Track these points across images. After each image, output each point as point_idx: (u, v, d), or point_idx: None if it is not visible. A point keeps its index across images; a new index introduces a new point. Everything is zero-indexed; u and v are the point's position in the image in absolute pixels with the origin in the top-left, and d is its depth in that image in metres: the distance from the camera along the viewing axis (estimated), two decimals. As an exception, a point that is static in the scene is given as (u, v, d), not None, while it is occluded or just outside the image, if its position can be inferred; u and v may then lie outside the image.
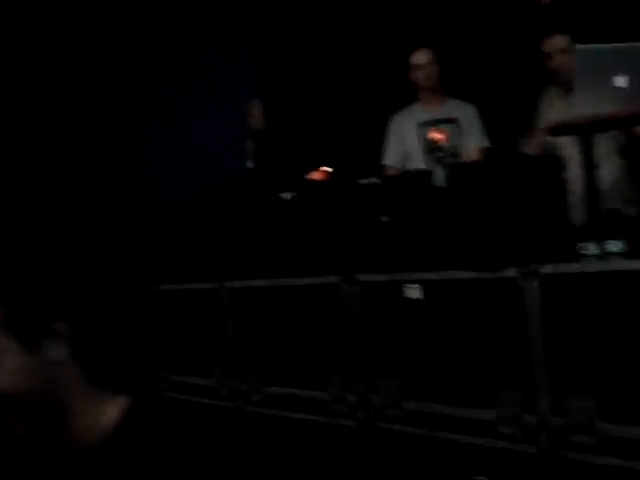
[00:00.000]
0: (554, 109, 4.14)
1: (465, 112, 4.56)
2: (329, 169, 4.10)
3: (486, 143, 4.57)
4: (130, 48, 7.59)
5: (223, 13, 6.99)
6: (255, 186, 4.92)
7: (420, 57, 4.67)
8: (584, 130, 3.05)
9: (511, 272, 3.10)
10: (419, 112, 4.69)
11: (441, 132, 4.25)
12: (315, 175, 4.11)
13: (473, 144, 4.49)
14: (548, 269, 3.00)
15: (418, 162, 4.46)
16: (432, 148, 4.37)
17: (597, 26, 4.34)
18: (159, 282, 5.03)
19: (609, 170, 3.91)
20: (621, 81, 2.92)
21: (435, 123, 4.53)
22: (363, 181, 3.72)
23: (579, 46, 2.97)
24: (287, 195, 4.04)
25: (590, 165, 3.05)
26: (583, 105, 2.97)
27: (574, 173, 3.63)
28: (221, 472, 1.28)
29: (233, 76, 7.03)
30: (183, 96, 7.48)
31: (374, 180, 3.69)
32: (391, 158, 4.77)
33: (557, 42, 4.12)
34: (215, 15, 7.04)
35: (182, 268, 4.91)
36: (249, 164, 5.57)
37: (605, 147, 3.82)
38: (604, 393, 2.86)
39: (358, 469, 3.62)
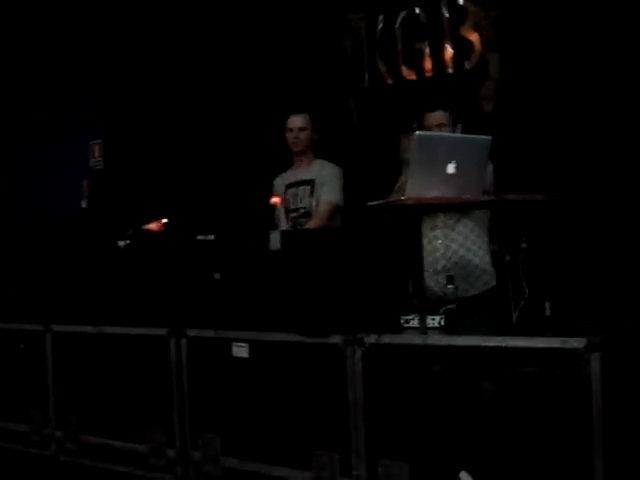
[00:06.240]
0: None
1: (323, 171, 4.53)
2: (165, 221, 4.10)
3: (337, 199, 4.51)
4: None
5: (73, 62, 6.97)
6: (85, 227, 4.84)
7: (293, 120, 4.64)
8: (412, 211, 3.22)
9: (336, 339, 3.21)
10: (290, 174, 4.72)
11: (278, 196, 4.30)
12: (152, 225, 4.10)
13: (323, 199, 4.49)
14: (372, 338, 3.14)
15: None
16: (287, 209, 4.43)
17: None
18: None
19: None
20: (452, 168, 3.11)
21: (296, 185, 4.59)
22: (200, 237, 3.76)
23: (420, 132, 3.14)
24: (122, 243, 4.02)
25: (417, 243, 3.21)
26: (417, 187, 3.13)
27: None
28: None
29: (79, 115, 6.96)
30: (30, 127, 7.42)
31: (210, 237, 3.73)
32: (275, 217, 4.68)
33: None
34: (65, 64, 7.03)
35: (4, 305, 4.76)
36: (83, 203, 5.48)
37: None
38: (416, 459, 2.99)
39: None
